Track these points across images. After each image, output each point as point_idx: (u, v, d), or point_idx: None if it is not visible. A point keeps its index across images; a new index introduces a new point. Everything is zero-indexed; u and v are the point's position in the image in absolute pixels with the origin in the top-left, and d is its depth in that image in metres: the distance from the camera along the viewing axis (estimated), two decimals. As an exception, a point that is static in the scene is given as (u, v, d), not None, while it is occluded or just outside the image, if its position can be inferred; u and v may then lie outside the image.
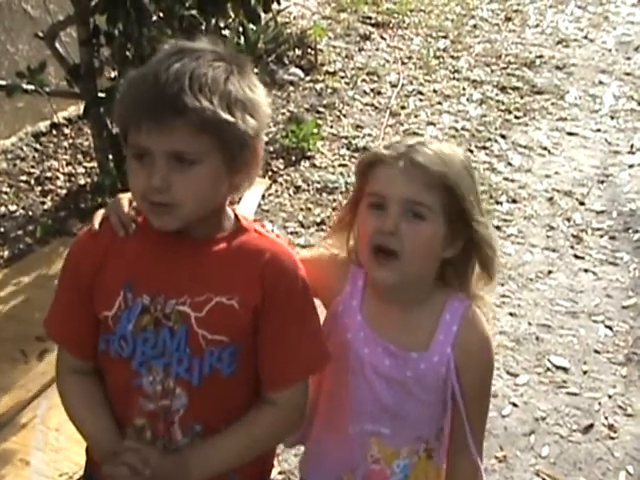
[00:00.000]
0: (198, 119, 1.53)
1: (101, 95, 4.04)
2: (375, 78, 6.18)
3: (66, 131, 5.04)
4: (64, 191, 4.47)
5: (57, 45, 4.19)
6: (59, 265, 3.75)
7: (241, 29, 4.96)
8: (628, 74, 6.67)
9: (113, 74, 4.18)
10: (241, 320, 1.65)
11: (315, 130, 5.15)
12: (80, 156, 4.79)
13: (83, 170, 4.65)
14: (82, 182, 4.54)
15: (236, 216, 1.74)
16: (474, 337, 1.81)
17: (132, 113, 1.58)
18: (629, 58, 7.00)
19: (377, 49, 6.73)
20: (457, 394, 1.79)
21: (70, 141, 4.95)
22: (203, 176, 1.58)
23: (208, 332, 1.64)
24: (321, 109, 5.63)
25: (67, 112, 5.05)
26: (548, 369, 3.54)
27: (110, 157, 4.26)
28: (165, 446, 1.69)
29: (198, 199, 1.61)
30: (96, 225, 1.72)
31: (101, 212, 1.76)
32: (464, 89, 6.16)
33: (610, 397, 3.41)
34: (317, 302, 1.83)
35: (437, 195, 1.72)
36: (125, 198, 1.74)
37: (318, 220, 4.43)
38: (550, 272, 4.19)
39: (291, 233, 4.32)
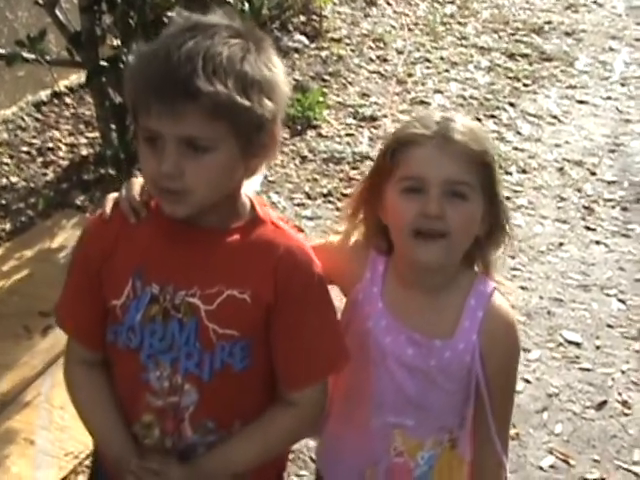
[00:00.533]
0: (211, 104, 1.44)
1: (103, 64, 3.94)
2: (381, 45, 6.07)
3: (68, 100, 4.94)
4: (66, 162, 4.39)
5: (57, 12, 4.08)
6: (62, 238, 3.77)
7: (245, -5, 4.85)
8: (639, 40, 6.55)
9: (116, 42, 4.08)
10: (253, 315, 1.58)
11: (321, 99, 5.05)
12: (82, 126, 4.70)
13: (85, 140, 4.57)
14: (84, 153, 4.45)
15: (252, 205, 1.65)
16: (500, 323, 1.73)
17: (142, 94, 1.49)
18: (639, 23, 6.88)
19: (383, 15, 6.61)
20: (481, 384, 1.72)
21: (72, 110, 4.86)
22: (217, 163, 1.50)
23: (219, 326, 1.57)
24: (326, 77, 5.53)
25: (68, 80, 4.95)
26: (560, 344, 3.48)
27: (113, 127, 4.17)
28: (174, 443, 1.63)
29: (211, 186, 1.53)
30: (107, 210, 1.65)
31: (112, 196, 1.68)
32: (472, 56, 6.05)
33: (623, 373, 3.36)
34: (336, 290, 1.77)
35: (476, 172, 1.66)
36: (137, 182, 1.67)
37: (325, 191, 4.35)
38: (561, 244, 4.12)
39: (297, 205, 4.24)
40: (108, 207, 1.65)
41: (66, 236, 3.74)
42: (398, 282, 1.76)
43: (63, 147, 4.51)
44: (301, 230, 1.67)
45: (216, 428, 1.62)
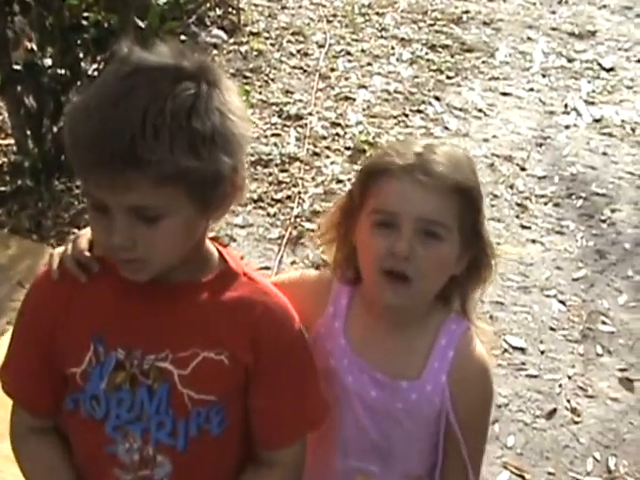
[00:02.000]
0: (156, 173, 1.27)
1: (18, 68, 3.71)
2: (301, 38, 5.91)
3: (-24, 104, 4.66)
4: (-22, 173, 4.13)
5: (-37, 14, 3.83)
6: (-20, 262, 3.51)
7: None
8: (554, 29, 6.55)
9: (30, 45, 3.85)
10: (231, 377, 1.45)
11: (244, 97, 4.88)
12: (-7, 133, 4.44)
13: (-2, 148, 4.31)
14: (-2, 162, 4.20)
15: (220, 254, 1.51)
16: (472, 365, 1.64)
17: (77, 160, 1.32)
18: (554, 12, 6.87)
19: (300, 6, 6.44)
20: (455, 425, 1.62)
21: (-19, 116, 4.59)
22: (172, 230, 1.35)
23: (194, 392, 1.43)
24: (248, 74, 5.36)
25: (-25, 83, 4.67)
26: (505, 350, 3.42)
27: (29, 134, 3.95)
28: None
29: (169, 252, 1.39)
30: (54, 267, 1.48)
31: (57, 252, 1.51)
32: (393, 48, 5.95)
33: (570, 378, 3.32)
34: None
35: (454, 211, 1.54)
36: (85, 236, 1.50)
37: (255, 197, 4.20)
38: (498, 244, 4.05)
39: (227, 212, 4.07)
40: (54, 263, 1.48)
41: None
42: (363, 315, 1.65)
43: (-26, 156, 4.24)
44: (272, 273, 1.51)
45: None
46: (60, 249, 1.52)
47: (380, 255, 1.54)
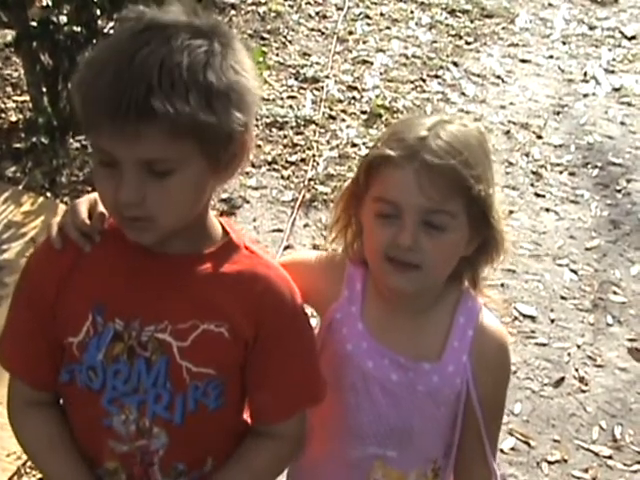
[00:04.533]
0: (171, 124, 1.25)
1: (33, 25, 3.70)
2: (320, 0, 5.86)
3: (-8, 61, 4.67)
4: (-6, 129, 4.15)
5: (-20, -31, 3.81)
6: (-7, 214, 3.53)
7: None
8: (577, -5, 6.49)
9: (45, 2, 3.83)
10: (231, 350, 1.43)
11: (261, 59, 4.86)
12: (9, 89, 4.42)
13: (14, 105, 4.30)
14: (13, 119, 4.19)
15: (223, 227, 1.49)
16: (492, 342, 1.61)
17: (90, 113, 1.29)
18: (576, -22, 6.80)
19: (319, -33, 6.40)
20: (476, 406, 1.59)
21: (-3, 72, 4.59)
22: (182, 186, 1.32)
23: (193, 364, 1.41)
24: (265, 35, 5.32)
25: (-9, 40, 4.67)
26: (515, 318, 3.43)
27: (44, 91, 3.94)
28: None
29: (178, 210, 1.36)
30: (54, 236, 1.45)
31: (56, 221, 1.48)
32: (412, 12, 5.90)
33: (579, 347, 3.33)
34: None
35: (460, 198, 1.47)
36: (83, 204, 1.47)
37: (269, 159, 4.19)
38: (512, 212, 4.04)
39: (241, 173, 4.07)
40: (54, 232, 1.46)
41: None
42: (379, 299, 1.62)
43: (-10, 112, 4.25)
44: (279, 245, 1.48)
45: (187, 470, 1.48)
46: (58, 219, 1.49)
47: (384, 246, 1.50)
